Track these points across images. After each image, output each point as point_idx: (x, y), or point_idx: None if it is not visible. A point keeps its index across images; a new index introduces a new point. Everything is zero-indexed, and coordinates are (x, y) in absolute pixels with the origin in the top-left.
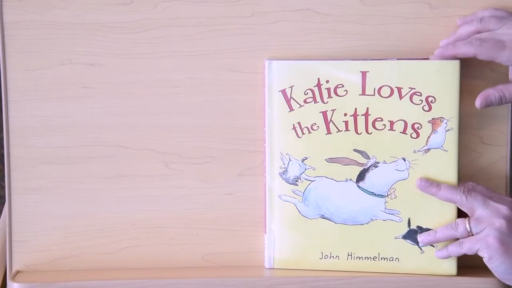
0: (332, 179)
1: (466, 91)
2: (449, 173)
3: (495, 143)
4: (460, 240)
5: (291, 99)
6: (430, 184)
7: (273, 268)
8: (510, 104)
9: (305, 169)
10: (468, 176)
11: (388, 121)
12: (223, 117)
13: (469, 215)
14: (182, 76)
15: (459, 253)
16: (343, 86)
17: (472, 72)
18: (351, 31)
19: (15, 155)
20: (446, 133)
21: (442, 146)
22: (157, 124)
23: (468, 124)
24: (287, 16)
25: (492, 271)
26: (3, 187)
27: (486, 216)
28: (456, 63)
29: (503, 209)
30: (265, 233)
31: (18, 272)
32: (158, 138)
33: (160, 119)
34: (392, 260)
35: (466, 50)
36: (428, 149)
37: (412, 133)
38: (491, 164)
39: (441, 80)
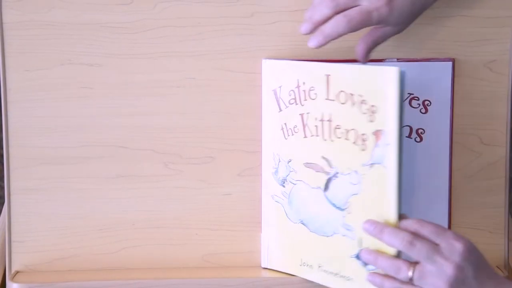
0: (308, 184)
1: (466, 91)
2: (387, 196)
3: (495, 143)
4: (400, 283)
5: (280, 99)
6: (374, 227)
7: (269, 269)
8: (510, 104)
9: (290, 171)
10: (468, 176)
11: (345, 129)
12: (222, 117)
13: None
14: (182, 76)
15: None
16: (314, 89)
17: (471, 72)
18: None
19: (14, 156)
20: (386, 147)
21: (382, 162)
22: (156, 124)
23: (468, 124)
24: (286, 16)
25: None
26: (3, 188)
27: (430, 274)
28: (395, 69)
29: (449, 268)
30: (261, 233)
31: (17, 272)
32: (158, 138)
33: (160, 119)
34: (348, 279)
35: (340, 31)
36: (373, 164)
37: (361, 144)
38: (490, 164)
39: (382, 88)
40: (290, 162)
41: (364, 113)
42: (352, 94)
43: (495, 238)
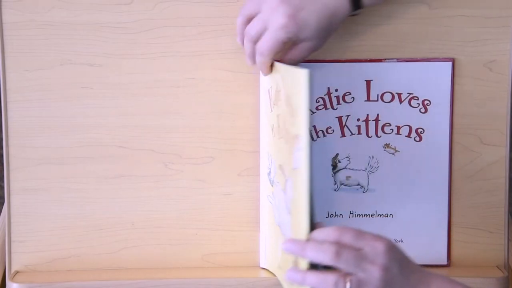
0: (280, 187)
1: (465, 91)
2: (300, 203)
3: (494, 143)
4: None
5: (271, 98)
6: (294, 246)
7: (267, 269)
8: (509, 104)
9: (275, 172)
10: (468, 176)
11: (284, 131)
12: (222, 117)
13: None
14: (182, 76)
15: None
16: (280, 91)
17: (471, 72)
18: (351, 31)
19: (14, 156)
20: (299, 152)
21: (298, 167)
22: (156, 124)
23: (467, 124)
24: None
25: None
26: (2, 188)
27: (363, 282)
28: (305, 71)
29: (376, 272)
30: (259, 232)
31: (17, 272)
32: (157, 138)
33: (160, 119)
34: None
35: (264, 63)
36: (295, 168)
37: (291, 147)
38: (490, 164)
39: (298, 90)
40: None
41: (291, 115)
42: (288, 96)
43: (495, 238)
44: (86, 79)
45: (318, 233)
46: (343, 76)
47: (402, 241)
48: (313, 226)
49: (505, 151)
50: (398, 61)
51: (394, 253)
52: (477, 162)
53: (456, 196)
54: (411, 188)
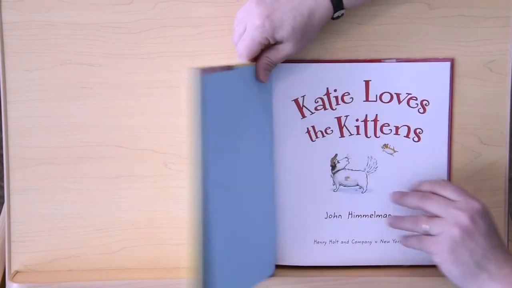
0: None
1: (465, 91)
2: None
3: (494, 143)
4: (419, 236)
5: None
6: (399, 196)
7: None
8: (509, 104)
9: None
10: (467, 176)
11: None
12: None
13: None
14: (182, 76)
15: (417, 248)
16: None
17: (471, 72)
18: (350, 31)
19: (14, 156)
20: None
21: None
22: (156, 124)
23: (467, 124)
24: None
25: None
26: (2, 188)
27: (444, 222)
28: (194, 72)
29: (462, 217)
30: None
31: (17, 272)
32: (157, 138)
33: (160, 119)
34: None
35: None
36: None
37: None
38: (490, 164)
39: None
40: None
41: None
42: None
43: None
44: (86, 79)
45: (422, 185)
46: (342, 77)
47: (400, 241)
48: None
49: (505, 151)
50: (397, 61)
51: (488, 218)
52: (477, 162)
53: None
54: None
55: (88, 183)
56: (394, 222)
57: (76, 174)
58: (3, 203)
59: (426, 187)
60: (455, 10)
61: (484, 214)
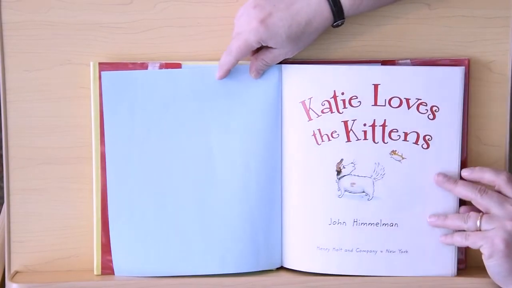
0: None
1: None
2: None
3: (494, 143)
4: (466, 232)
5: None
6: (447, 180)
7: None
8: (509, 104)
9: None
10: None
11: None
12: None
13: (483, 212)
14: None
15: (462, 244)
16: None
17: (471, 72)
18: (351, 31)
19: (13, 156)
20: None
21: None
22: None
23: (468, 125)
24: None
25: (488, 270)
26: (2, 188)
27: (500, 216)
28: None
29: None
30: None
31: (16, 272)
32: None
33: None
34: None
35: (227, 63)
36: None
37: None
38: (490, 165)
39: None
40: None
41: None
42: None
43: None
44: (86, 79)
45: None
46: (350, 79)
47: (407, 251)
48: None
49: (504, 152)
50: (407, 65)
51: None
52: (476, 162)
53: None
54: (417, 197)
55: (87, 183)
56: (438, 220)
57: (75, 174)
58: (3, 203)
59: (487, 176)
60: (455, 10)
61: None
